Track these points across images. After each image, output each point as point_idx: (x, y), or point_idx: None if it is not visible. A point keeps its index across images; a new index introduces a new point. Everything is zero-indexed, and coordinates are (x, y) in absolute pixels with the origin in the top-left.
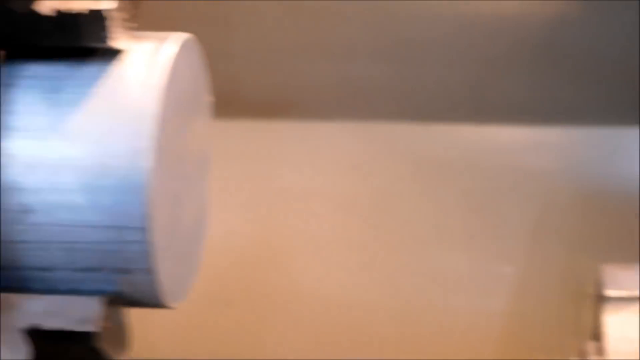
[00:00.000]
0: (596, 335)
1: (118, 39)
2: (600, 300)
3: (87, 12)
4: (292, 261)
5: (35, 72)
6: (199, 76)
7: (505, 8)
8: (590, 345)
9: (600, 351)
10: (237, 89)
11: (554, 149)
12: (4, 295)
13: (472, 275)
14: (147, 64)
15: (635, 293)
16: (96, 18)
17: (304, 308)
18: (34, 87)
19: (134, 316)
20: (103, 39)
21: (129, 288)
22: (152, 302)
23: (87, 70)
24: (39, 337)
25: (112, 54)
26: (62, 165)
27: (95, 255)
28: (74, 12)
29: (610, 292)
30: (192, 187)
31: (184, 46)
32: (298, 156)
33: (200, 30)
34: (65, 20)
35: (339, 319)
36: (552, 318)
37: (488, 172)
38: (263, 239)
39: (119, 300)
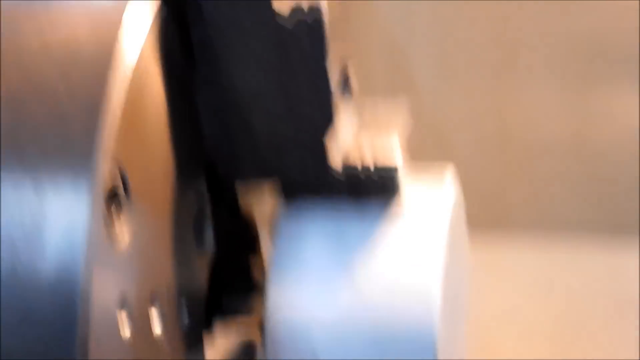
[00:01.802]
0: None
1: (402, 188)
2: None
3: (374, 167)
4: None
5: (318, 219)
6: (462, 206)
7: None
8: None
9: None
10: None
11: None
12: None
13: None
14: (427, 206)
15: None
16: (384, 173)
17: None
18: (319, 234)
19: None
20: (389, 190)
21: None
22: None
23: (369, 217)
24: None
25: (395, 199)
26: (351, 317)
27: None
28: (362, 166)
29: None
30: (459, 328)
31: (455, 182)
32: (490, 285)
33: None
34: (353, 173)
35: None
36: None
37: None
38: None
39: None
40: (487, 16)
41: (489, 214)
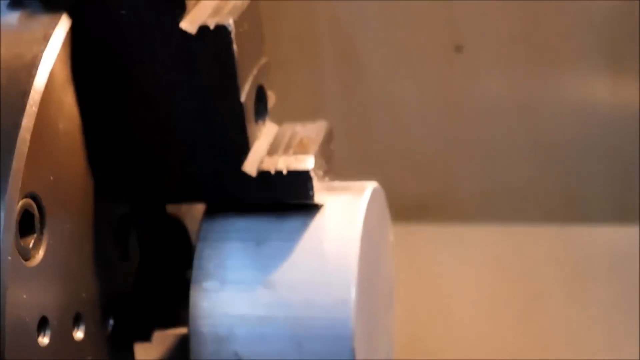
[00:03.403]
0: None
1: (316, 195)
2: None
3: (287, 172)
4: None
5: (240, 227)
6: (385, 219)
7: None
8: None
9: None
10: None
11: None
12: None
13: None
14: (343, 216)
15: None
16: (296, 177)
17: None
18: (240, 240)
19: None
20: (303, 196)
21: None
22: None
23: (288, 224)
24: None
25: (310, 207)
26: (270, 317)
27: None
28: (275, 172)
29: None
30: (382, 322)
31: (374, 196)
32: (441, 259)
33: (340, 128)
34: (268, 179)
35: None
36: None
37: (634, 274)
38: (408, 342)
39: None
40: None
41: (445, 205)
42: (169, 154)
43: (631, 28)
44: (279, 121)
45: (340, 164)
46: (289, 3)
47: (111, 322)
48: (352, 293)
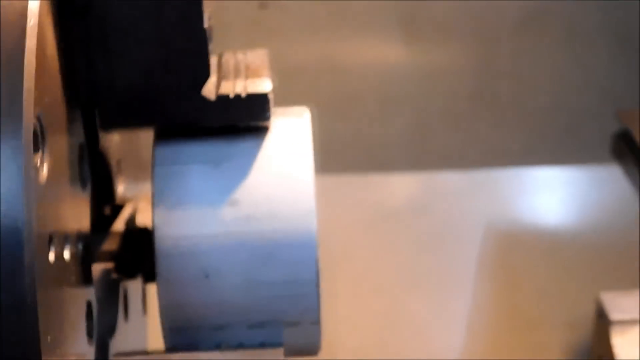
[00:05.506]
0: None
1: (271, 117)
2: (605, 325)
3: (245, 95)
4: None
5: (195, 150)
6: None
7: (440, 63)
8: None
9: None
10: None
11: (487, 190)
12: (182, 354)
13: (429, 314)
14: (293, 135)
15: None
16: (255, 100)
17: None
18: (198, 163)
19: None
20: (260, 117)
21: (292, 339)
22: (309, 350)
23: (242, 145)
24: None
25: (259, 129)
26: (235, 232)
27: (268, 311)
28: (234, 95)
29: (615, 316)
30: None
31: (309, 117)
32: None
33: None
34: (226, 102)
35: None
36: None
37: (433, 214)
38: None
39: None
40: None
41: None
42: (130, 81)
43: None
44: None
45: None
46: None
47: (80, 246)
48: (312, 204)
